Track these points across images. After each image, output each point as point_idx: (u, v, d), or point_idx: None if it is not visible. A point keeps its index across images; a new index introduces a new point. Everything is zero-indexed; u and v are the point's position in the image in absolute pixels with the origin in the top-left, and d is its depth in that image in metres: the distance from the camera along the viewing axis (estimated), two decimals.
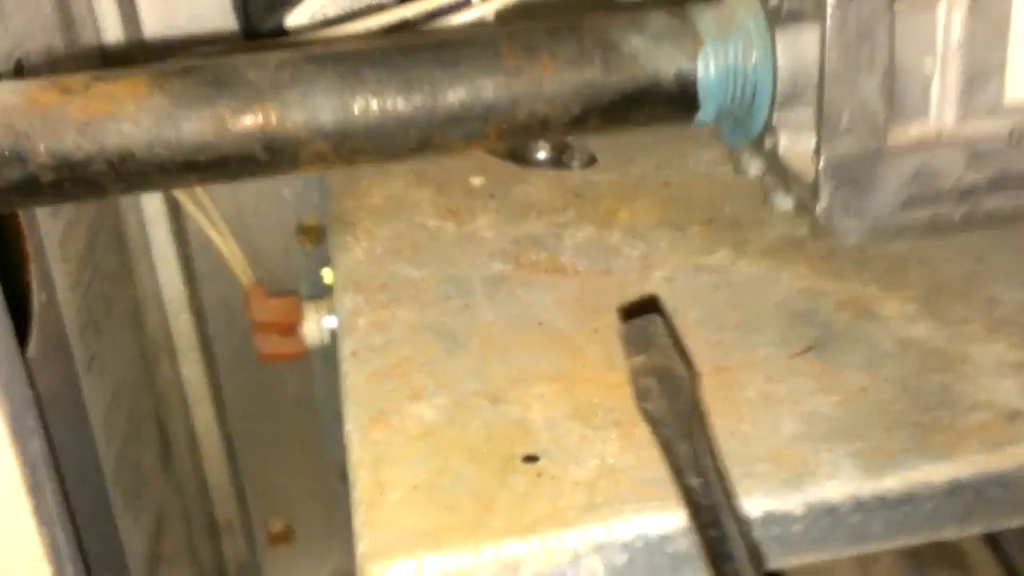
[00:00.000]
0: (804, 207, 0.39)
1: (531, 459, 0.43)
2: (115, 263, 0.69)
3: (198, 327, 0.76)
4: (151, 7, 0.70)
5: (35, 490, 0.42)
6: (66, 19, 0.63)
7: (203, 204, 0.72)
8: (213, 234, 0.72)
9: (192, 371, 0.77)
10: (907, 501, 0.41)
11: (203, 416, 0.79)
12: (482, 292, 0.55)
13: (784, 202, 0.42)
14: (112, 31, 0.68)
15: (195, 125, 0.39)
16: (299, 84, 0.39)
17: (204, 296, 0.78)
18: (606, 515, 0.40)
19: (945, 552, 0.71)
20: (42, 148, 0.38)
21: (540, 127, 0.41)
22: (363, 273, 0.58)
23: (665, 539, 0.40)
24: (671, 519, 0.40)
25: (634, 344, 0.43)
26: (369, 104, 0.39)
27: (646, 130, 0.42)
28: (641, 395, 0.41)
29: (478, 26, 0.62)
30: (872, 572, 0.70)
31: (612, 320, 0.51)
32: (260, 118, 0.39)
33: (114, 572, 0.61)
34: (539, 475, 0.43)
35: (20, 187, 0.39)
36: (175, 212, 0.74)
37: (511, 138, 0.41)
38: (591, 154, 0.68)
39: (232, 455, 0.84)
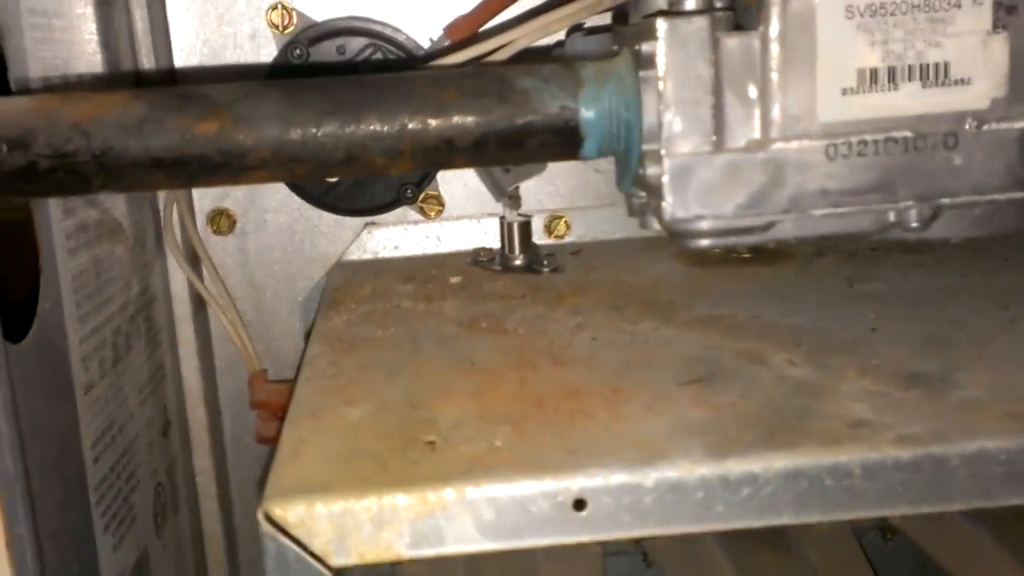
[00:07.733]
0: (661, 215, 0.46)
1: (431, 442, 0.49)
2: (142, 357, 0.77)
3: (211, 416, 0.84)
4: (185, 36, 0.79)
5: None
6: (107, 47, 0.71)
7: (225, 306, 0.82)
8: (231, 329, 0.81)
9: (202, 460, 0.84)
10: (748, 482, 0.46)
11: (208, 506, 0.85)
12: (431, 344, 0.62)
13: (654, 223, 0.49)
14: (147, 59, 0.76)
15: (164, 128, 0.48)
16: (249, 101, 0.49)
17: (221, 386, 0.86)
18: (479, 478, 0.46)
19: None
20: (42, 139, 0.48)
21: (447, 148, 0.49)
22: (335, 333, 0.66)
23: (528, 499, 0.46)
24: (534, 485, 0.46)
25: None
26: (306, 120, 0.49)
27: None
28: None
29: None
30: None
31: (535, 359, 0.58)
32: (216, 125, 0.48)
33: None
34: (433, 449, 0.49)
35: (23, 173, 0.48)
36: (200, 310, 0.83)
37: (424, 158, 0.49)
38: (560, 263, 0.77)
39: (232, 544, 0.89)
